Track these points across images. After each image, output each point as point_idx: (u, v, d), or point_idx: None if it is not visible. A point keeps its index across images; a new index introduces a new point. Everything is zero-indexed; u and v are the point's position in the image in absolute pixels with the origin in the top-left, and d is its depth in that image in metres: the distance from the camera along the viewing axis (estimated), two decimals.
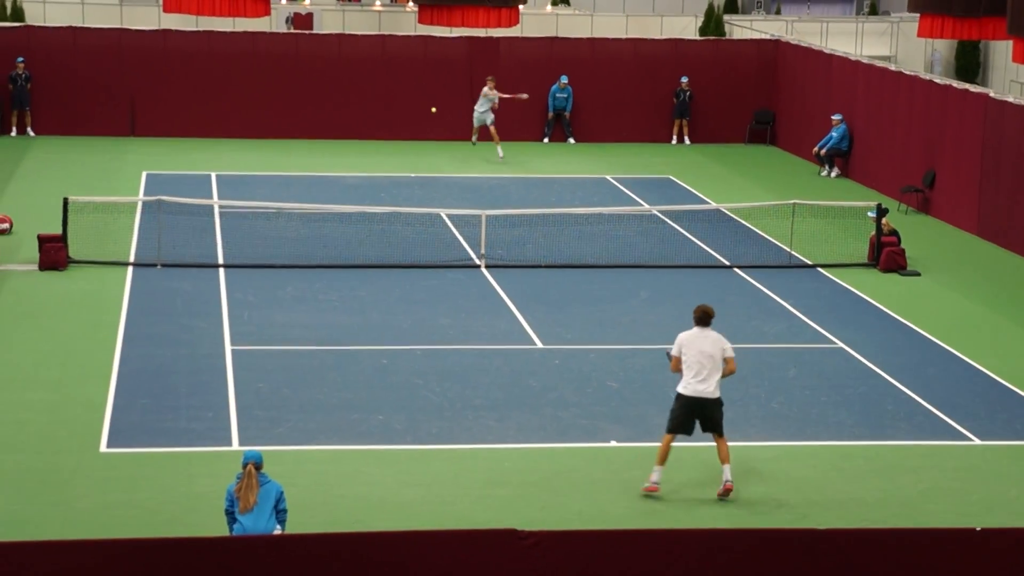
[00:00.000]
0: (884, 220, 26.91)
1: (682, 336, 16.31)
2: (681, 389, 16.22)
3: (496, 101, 36.04)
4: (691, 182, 34.22)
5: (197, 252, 26.09)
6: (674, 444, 16.46)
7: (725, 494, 16.20)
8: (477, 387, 19.69)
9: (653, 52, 39.84)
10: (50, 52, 37.50)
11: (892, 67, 35.38)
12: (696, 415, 16.24)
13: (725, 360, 16.25)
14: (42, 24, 39.56)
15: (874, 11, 50.57)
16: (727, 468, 16.23)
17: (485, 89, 36.18)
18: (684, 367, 16.20)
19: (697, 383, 16.13)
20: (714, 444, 16.45)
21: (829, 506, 16.24)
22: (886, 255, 26.49)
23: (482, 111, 36.07)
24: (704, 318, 16.33)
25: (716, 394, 16.21)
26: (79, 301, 23.18)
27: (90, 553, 11.35)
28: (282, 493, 13.88)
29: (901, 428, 18.79)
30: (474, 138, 36.64)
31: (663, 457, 16.28)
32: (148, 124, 37.98)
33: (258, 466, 13.77)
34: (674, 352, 16.29)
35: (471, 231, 27.52)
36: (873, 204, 27.70)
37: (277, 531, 13.67)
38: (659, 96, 39.61)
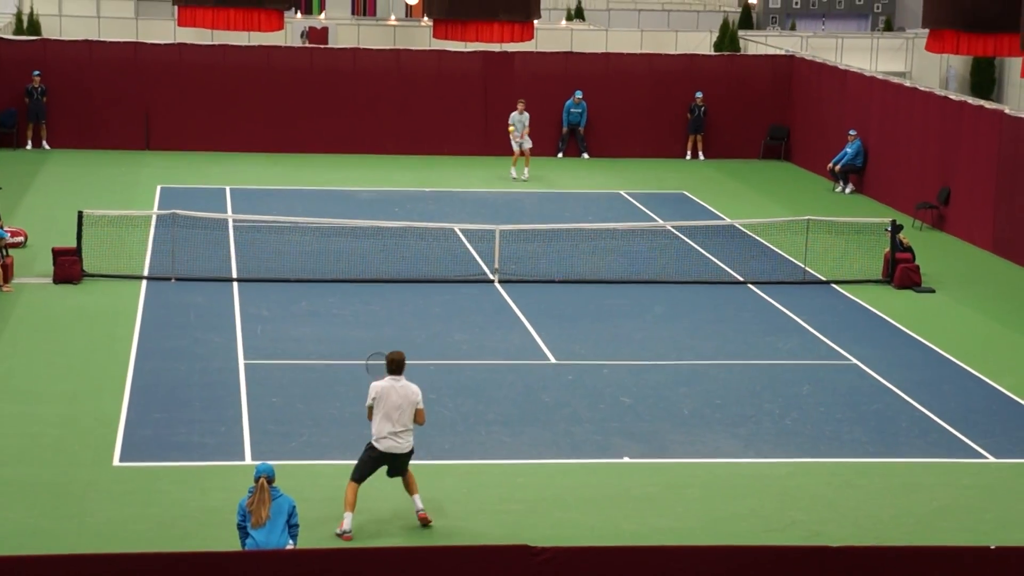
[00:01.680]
0: (899, 236, 26.87)
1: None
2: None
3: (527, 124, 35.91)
4: (705, 198, 34.21)
5: (211, 266, 26.12)
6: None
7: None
8: (490, 402, 19.67)
9: (668, 67, 39.86)
10: (66, 66, 37.61)
11: (907, 83, 35.35)
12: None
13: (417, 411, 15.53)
14: (58, 38, 39.68)
15: (889, 27, 50.58)
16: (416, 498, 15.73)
17: (517, 115, 35.94)
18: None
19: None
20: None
21: (843, 523, 16.19)
22: (901, 272, 26.44)
23: (520, 137, 35.79)
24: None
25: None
26: (93, 315, 23.21)
27: (103, 567, 11.35)
28: (294, 507, 13.86)
29: (916, 445, 18.73)
30: (518, 170, 35.88)
31: None
32: (163, 138, 38.06)
33: (270, 480, 13.75)
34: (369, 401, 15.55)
35: (485, 246, 27.53)
36: (888, 220, 27.66)
37: (290, 546, 13.66)
38: (673, 111, 39.61)
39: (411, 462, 15.70)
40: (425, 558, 11.78)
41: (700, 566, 11.79)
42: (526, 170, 35.75)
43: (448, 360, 21.48)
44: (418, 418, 15.58)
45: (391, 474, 15.78)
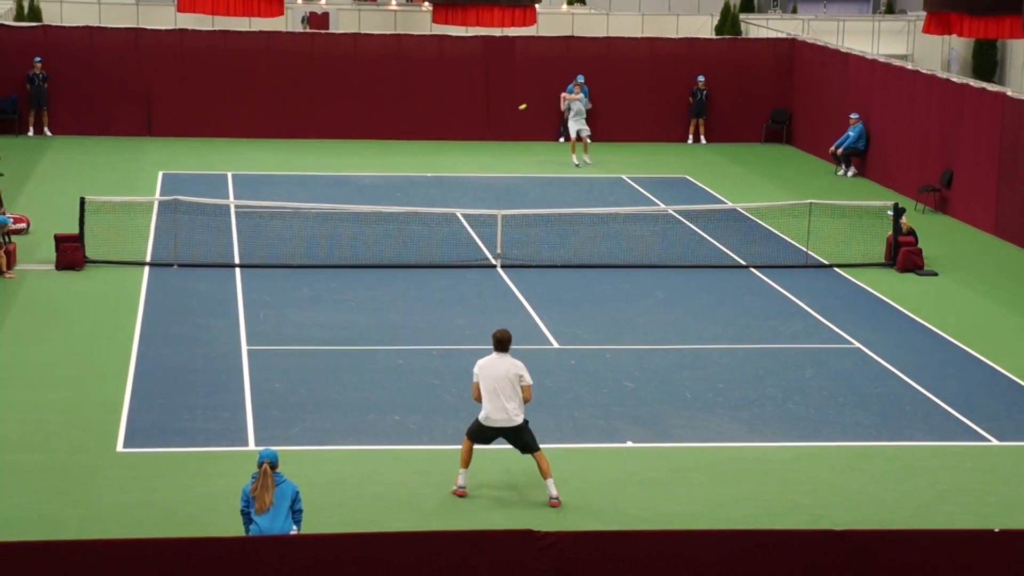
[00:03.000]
0: (902, 220, 26.85)
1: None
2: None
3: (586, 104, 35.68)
4: (707, 181, 34.19)
5: (213, 252, 26.13)
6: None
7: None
8: None
9: (669, 51, 39.81)
10: (67, 52, 37.59)
11: (909, 66, 35.30)
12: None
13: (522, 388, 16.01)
14: (59, 24, 39.64)
15: (890, 10, 50.47)
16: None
17: (576, 96, 35.62)
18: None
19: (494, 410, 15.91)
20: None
21: (846, 507, 16.20)
22: (903, 255, 26.43)
23: (578, 120, 35.60)
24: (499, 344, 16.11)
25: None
26: (96, 301, 23.22)
27: (107, 552, 11.37)
28: (298, 493, 13.86)
29: (918, 429, 18.74)
30: (580, 156, 35.75)
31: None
32: (164, 123, 38.04)
33: (273, 465, 13.74)
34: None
35: (487, 231, 27.52)
36: (890, 204, 27.65)
37: (293, 531, 13.67)
38: (675, 95, 39.57)
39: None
40: (429, 543, 11.80)
41: (703, 550, 11.81)
42: (586, 156, 35.52)
43: (450, 345, 21.48)
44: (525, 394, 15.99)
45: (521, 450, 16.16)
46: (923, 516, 16.01)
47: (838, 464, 17.44)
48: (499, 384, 15.91)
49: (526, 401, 16.11)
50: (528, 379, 16.07)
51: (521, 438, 16.06)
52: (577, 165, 35.46)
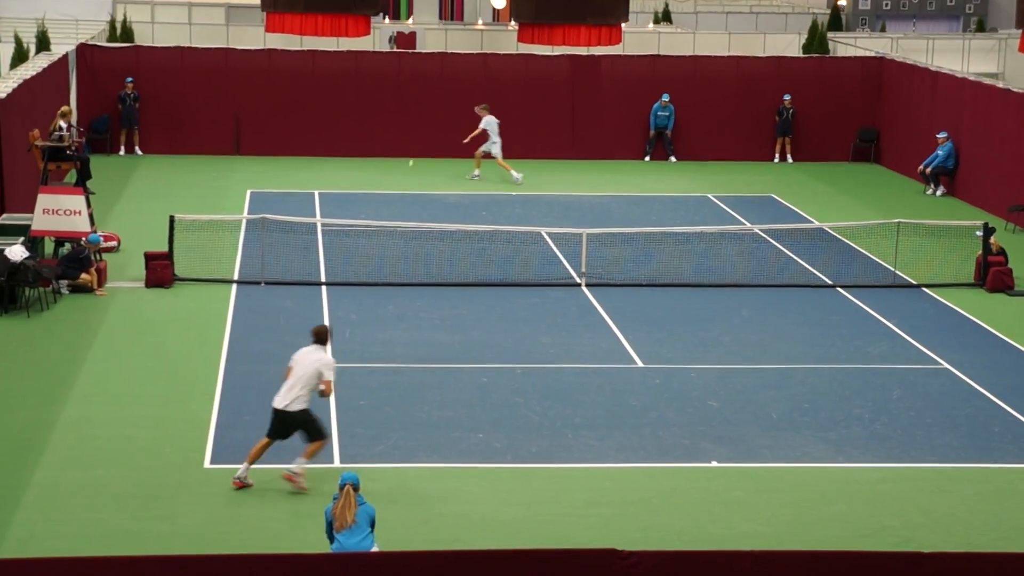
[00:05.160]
0: (992, 239, 26.55)
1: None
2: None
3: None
4: (793, 201, 33.99)
5: (300, 270, 26.31)
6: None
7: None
8: (577, 406, 19.65)
9: (756, 70, 39.66)
10: (158, 72, 38.05)
11: (1000, 84, 34.93)
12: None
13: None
14: (150, 44, 40.15)
15: (981, 28, 50.00)
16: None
17: (490, 118, 35.56)
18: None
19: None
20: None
21: (934, 529, 16.03)
22: (993, 275, 26.13)
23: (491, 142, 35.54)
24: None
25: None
26: (184, 318, 23.46)
27: (193, 569, 11.45)
28: (374, 517, 14.08)
29: (1009, 450, 18.49)
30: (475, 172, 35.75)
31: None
32: (253, 143, 38.40)
33: (355, 487, 13.95)
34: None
35: (572, 249, 27.52)
36: (980, 223, 27.35)
37: (375, 549, 13.75)
38: (761, 114, 39.41)
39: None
40: (513, 561, 11.78)
41: (788, 571, 11.70)
42: (515, 173, 35.46)
43: (535, 364, 21.49)
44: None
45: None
46: (1014, 539, 15.79)
47: (926, 486, 17.25)
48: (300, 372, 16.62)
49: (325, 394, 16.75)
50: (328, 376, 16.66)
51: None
52: (477, 176, 35.48)
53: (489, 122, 35.47)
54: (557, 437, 18.52)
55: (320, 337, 17.02)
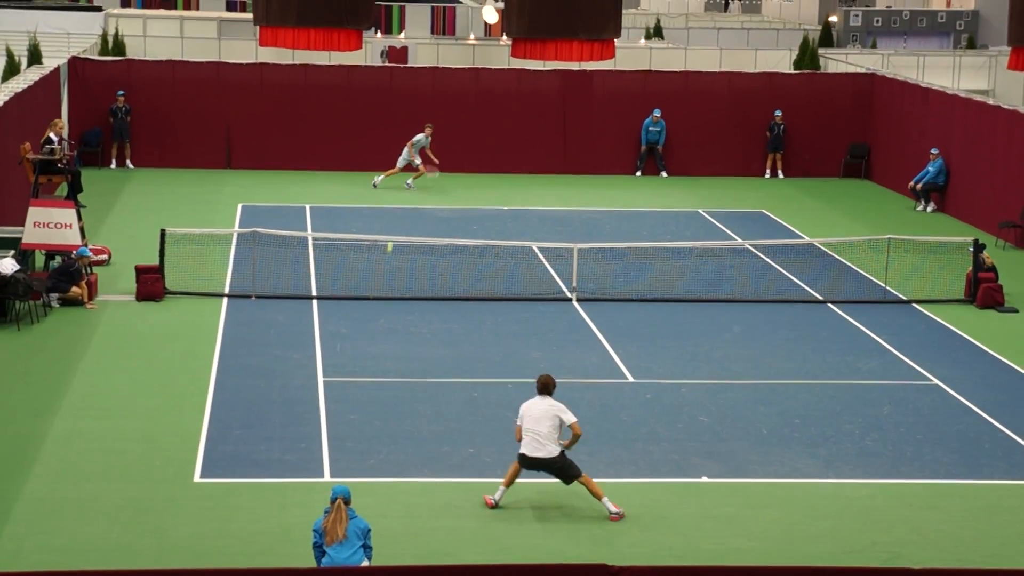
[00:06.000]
0: (982, 255, 26.60)
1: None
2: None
3: (427, 148, 35.79)
4: (784, 216, 34.04)
5: (291, 284, 26.32)
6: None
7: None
8: None
9: (747, 86, 39.74)
10: (150, 85, 38.06)
11: (990, 101, 35.01)
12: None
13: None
14: (142, 58, 40.16)
15: (972, 44, 50.15)
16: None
17: (423, 136, 35.82)
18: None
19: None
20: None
21: (924, 545, 16.04)
22: (983, 291, 26.17)
23: (408, 154, 35.79)
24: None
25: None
26: (175, 332, 23.44)
27: None
28: (369, 531, 13.97)
29: (999, 467, 18.52)
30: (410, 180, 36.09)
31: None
32: (244, 156, 38.40)
33: (347, 501, 13.90)
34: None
35: (563, 264, 27.54)
36: (970, 239, 27.40)
37: (365, 564, 13.72)
38: (752, 130, 39.47)
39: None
40: (503, 575, 11.77)
41: None
42: (381, 177, 35.99)
43: (525, 379, 21.45)
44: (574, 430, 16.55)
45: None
46: (1003, 555, 15.81)
47: (916, 502, 17.27)
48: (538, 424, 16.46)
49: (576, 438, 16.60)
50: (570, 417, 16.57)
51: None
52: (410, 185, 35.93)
53: (418, 139, 35.78)
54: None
55: (546, 388, 16.83)
